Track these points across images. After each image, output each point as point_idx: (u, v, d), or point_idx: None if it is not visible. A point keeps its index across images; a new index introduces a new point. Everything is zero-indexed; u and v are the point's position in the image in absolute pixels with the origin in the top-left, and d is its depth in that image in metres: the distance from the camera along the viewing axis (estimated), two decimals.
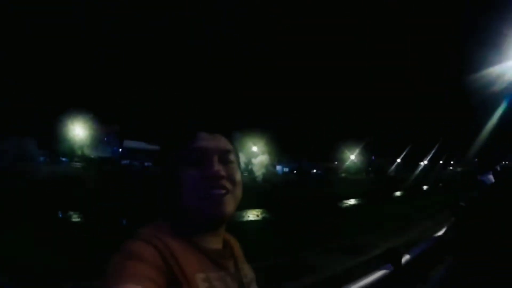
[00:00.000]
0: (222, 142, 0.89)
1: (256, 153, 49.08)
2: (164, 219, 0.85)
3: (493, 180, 4.52)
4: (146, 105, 47.15)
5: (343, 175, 64.90)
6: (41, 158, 34.37)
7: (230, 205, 0.84)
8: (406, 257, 3.27)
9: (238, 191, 0.87)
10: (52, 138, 35.66)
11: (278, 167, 63.15)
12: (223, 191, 0.83)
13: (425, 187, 39.68)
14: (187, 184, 0.82)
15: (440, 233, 5.17)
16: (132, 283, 0.65)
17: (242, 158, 43.76)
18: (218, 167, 0.84)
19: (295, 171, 62.99)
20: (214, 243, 0.87)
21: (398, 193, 31.38)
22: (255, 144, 49.72)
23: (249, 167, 45.23)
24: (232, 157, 0.89)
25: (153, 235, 0.77)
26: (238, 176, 0.88)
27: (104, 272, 0.68)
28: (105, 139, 48.18)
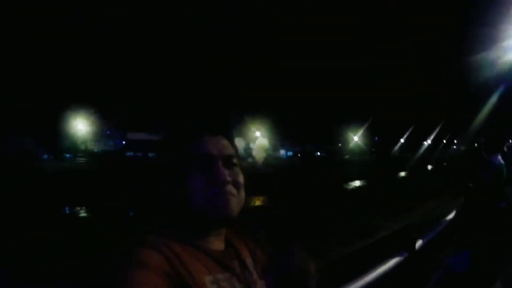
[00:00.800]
0: (226, 145, 0.88)
1: (255, 137, 48.77)
2: (165, 222, 0.84)
3: (502, 161, 4.49)
4: (147, 104, 46.98)
5: (347, 156, 65.09)
6: (45, 156, 34.48)
7: (235, 209, 0.84)
8: (419, 243, 3.26)
9: (242, 194, 0.88)
10: (55, 135, 35.75)
11: (282, 151, 63.26)
12: (229, 197, 0.83)
13: (429, 167, 39.66)
14: (192, 189, 0.82)
15: (451, 216, 5.16)
16: None
17: (241, 143, 43.30)
18: (223, 172, 0.83)
19: (298, 154, 63.07)
20: (217, 244, 0.88)
21: (402, 174, 31.36)
22: (256, 128, 49.50)
23: (248, 151, 44.91)
24: (235, 160, 0.89)
25: (158, 241, 0.75)
26: (241, 179, 0.88)
27: (108, 279, 0.66)
28: (108, 132, 48.34)
